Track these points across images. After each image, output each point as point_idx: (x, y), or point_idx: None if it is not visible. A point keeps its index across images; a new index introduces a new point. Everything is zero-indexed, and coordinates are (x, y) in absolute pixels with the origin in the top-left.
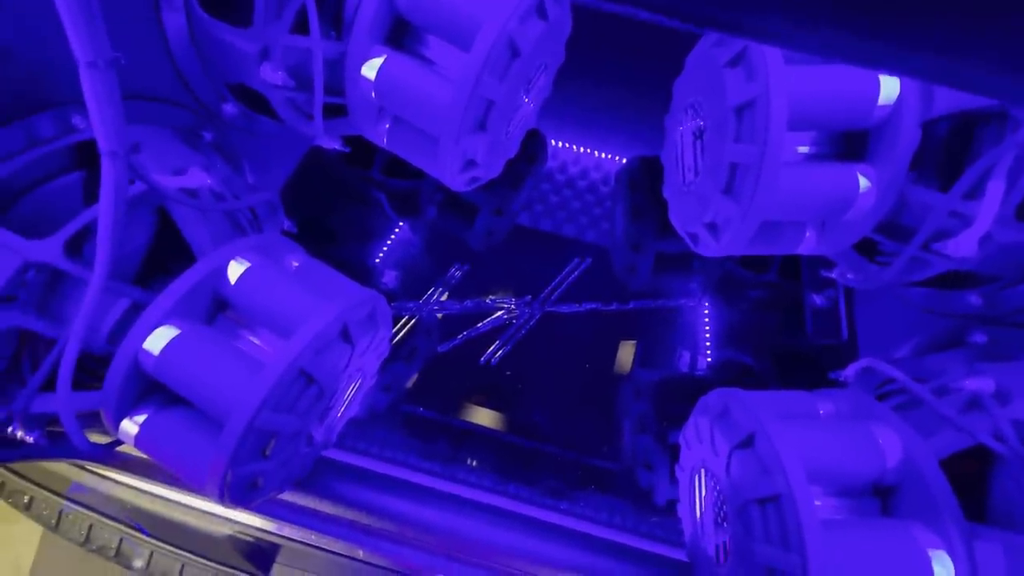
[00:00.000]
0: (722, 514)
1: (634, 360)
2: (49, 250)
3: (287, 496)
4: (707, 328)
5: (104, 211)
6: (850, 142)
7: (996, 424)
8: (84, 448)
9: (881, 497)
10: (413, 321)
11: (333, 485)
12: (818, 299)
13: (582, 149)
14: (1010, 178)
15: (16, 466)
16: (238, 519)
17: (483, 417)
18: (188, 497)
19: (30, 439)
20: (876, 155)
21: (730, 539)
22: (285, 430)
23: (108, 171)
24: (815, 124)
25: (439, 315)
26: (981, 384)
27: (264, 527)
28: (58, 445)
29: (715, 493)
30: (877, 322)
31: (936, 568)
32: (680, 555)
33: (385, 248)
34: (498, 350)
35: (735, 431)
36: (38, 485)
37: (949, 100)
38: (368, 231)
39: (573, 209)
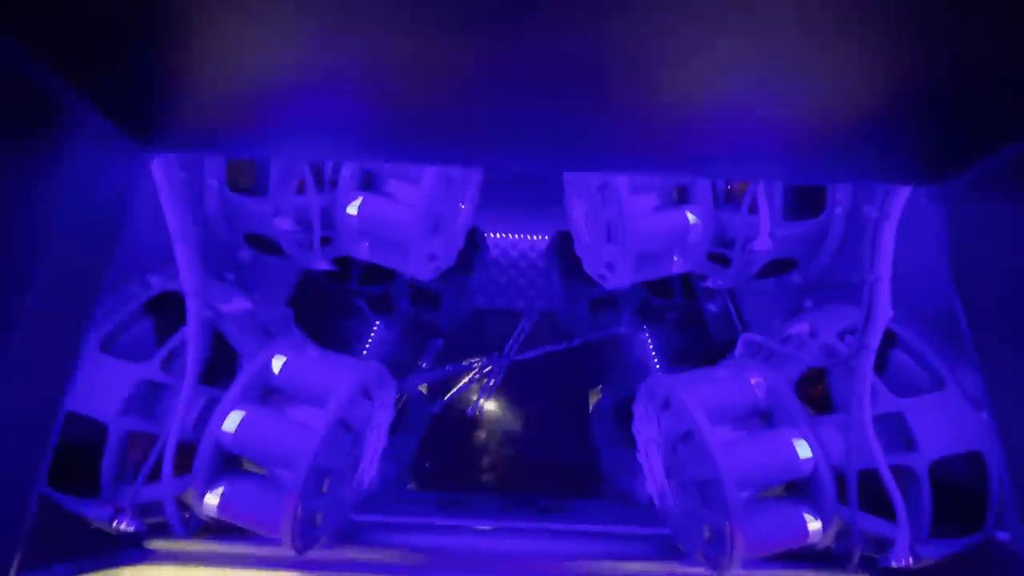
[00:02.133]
0: (668, 468)
1: (600, 390)
2: (151, 370)
3: (328, 553)
4: (653, 353)
5: (191, 333)
6: (680, 193)
7: (811, 350)
8: (178, 527)
9: (762, 418)
10: (403, 399)
11: (365, 535)
12: (712, 307)
13: (517, 236)
14: (770, 196)
15: None
16: None
17: (480, 457)
18: None
19: (131, 528)
20: (694, 198)
21: (673, 477)
22: (335, 467)
23: (192, 306)
24: (649, 186)
25: (422, 388)
26: (799, 328)
27: None
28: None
29: (661, 456)
30: (756, 313)
31: (799, 449)
32: (662, 532)
33: (366, 348)
34: (480, 400)
35: (659, 400)
36: None
37: None
38: (350, 336)
39: (520, 285)
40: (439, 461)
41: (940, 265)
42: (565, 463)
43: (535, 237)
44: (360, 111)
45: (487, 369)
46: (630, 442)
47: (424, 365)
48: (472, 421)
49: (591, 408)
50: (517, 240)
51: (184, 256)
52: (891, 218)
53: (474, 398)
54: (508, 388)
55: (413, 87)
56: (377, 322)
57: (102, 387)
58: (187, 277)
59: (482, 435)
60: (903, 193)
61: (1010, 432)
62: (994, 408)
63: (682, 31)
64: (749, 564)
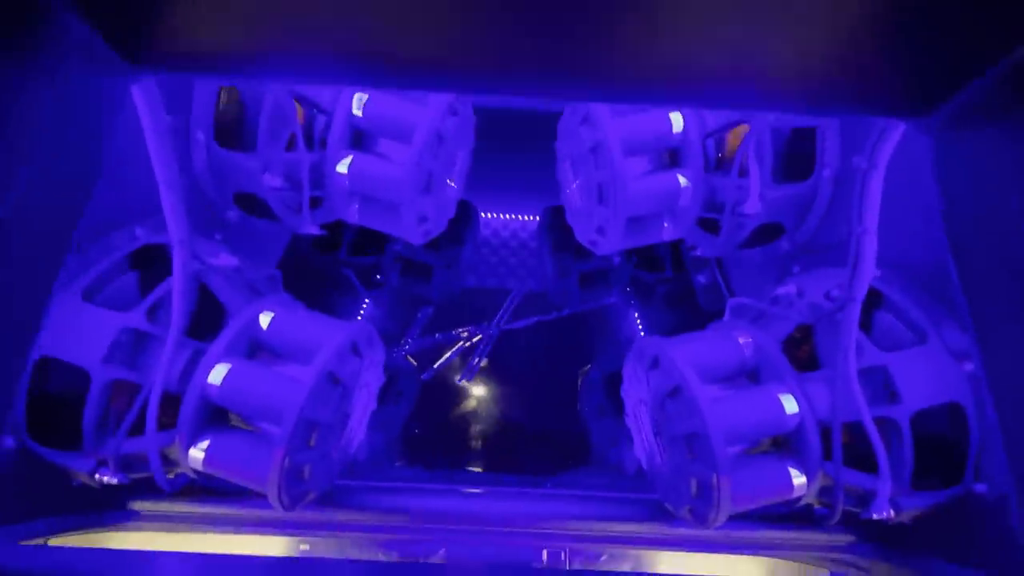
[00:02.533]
0: (656, 426)
1: (590, 363)
2: (136, 318)
3: (314, 515)
4: (640, 328)
5: (177, 281)
6: (672, 157)
7: (799, 308)
8: (162, 481)
9: (750, 376)
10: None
11: (352, 498)
12: (701, 278)
13: (508, 216)
14: (760, 160)
15: None
16: None
17: (470, 427)
18: None
19: (115, 481)
20: (685, 162)
21: (661, 434)
22: (323, 421)
23: (178, 254)
24: (643, 150)
25: (412, 360)
26: (787, 289)
27: None
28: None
29: (649, 415)
30: (744, 283)
31: (785, 403)
32: (650, 497)
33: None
34: (473, 367)
35: (648, 360)
36: None
37: (714, 119)
38: (339, 312)
39: (511, 265)
40: (428, 431)
41: (921, 221)
42: (555, 433)
43: (525, 218)
44: (360, 28)
45: (476, 339)
46: (619, 414)
47: (412, 337)
48: (461, 391)
49: (580, 380)
50: (508, 220)
51: (170, 203)
52: (879, 167)
53: (463, 368)
54: (498, 360)
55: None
56: (367, 300)
57: (85, 334)
58: (173, 224)
59: (471, 405)
60: (891, 142)
61: (998, 374)
62: (982, 349)
63: None
64: (733, 524)
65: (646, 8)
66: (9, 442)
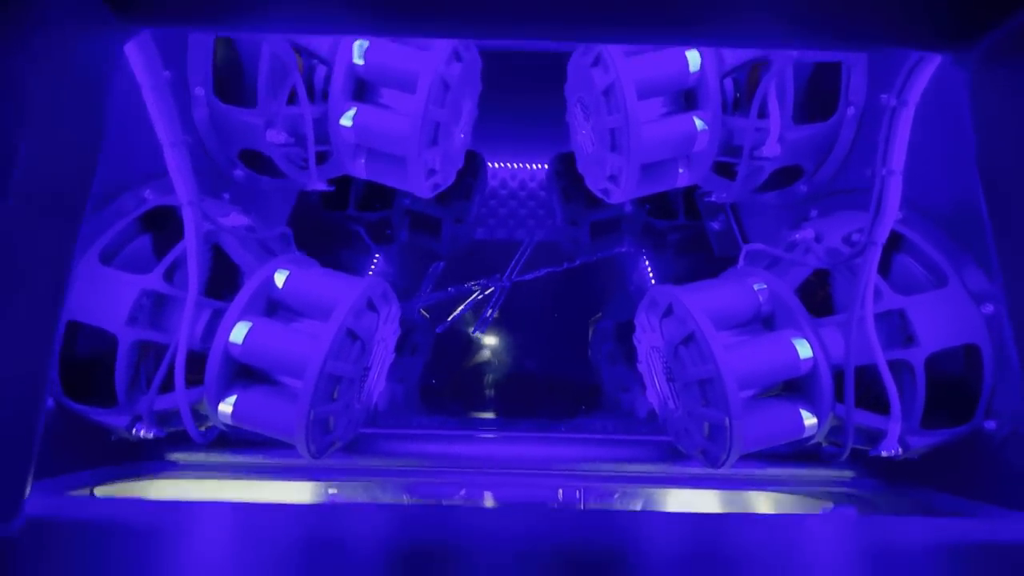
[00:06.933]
0: (669, 373)
1: (601, 312)
2: (154, 280)
3: (340, 462)
4: (651, 277)
5: (189, 243)
6: (688, 98)
7: (816, 253)
8: (195, 434)
9: (764, 323)
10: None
11: (376, 445)
12: (715, 224)
13: (516, 165)
14: (781, 99)
15: None
16: None
17: (485, 377)
18: None
19: (151, 435)
20: (702, 103)
21: (675, 380)
22: (345, 374)
23: (189, 215)
24: (657, 91)
25: (424, 312)
26: (804, 234)
27: None
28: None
29: (662, 362)
30: (760, 228)
31: (799, 348)
32: (662, 439)
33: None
34: (486, 318)
35: (661, 309)
36: None
37: (733, 56)
38: (350, 267)
39: (521, 216)
40: (444, 381)
41: (945, 161)
42: (567, 381)
43: (534, 166)
44: None
45: (488, 291)
46: (630, 360)
47: (425, 290)
48: (475, 343)
49: (591, 329)
50: (516, 169)
51: (175, 163)
52: (909, 105)
53: (476, 320)
54: (510, 311)
55: None
56: (377, 255)
57: (107, 298)
58: (181, 186)
59: (485, 356)
60: (924, 77)
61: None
62: (1008, 290)
63: None
64: (740, 464)
65: None
66: (48, 403)
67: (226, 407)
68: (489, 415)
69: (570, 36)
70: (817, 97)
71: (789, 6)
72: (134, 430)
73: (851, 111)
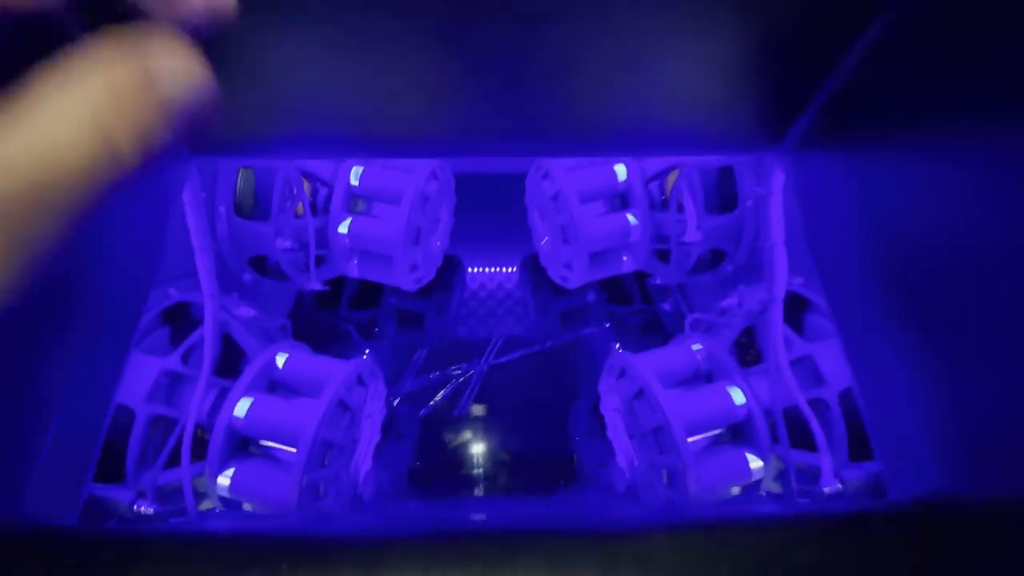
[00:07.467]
0: (630, 429)
1: (575, 392)
2: (173, 361)
3: None
4: (619, 348)
5: (208, 330)
6: (623, 200)
7: (739, 315)
8: (192, 511)
9: (705, 378)
10: (395, 402)
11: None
12: (665, 305)
13: (493, 270)
14: (693, 195)
15: None
16: None
17: (466, 458)
18: None
19: (151, 511)
20: (633, 204)
21: (633, 436)
22: (336, 441)
23: (209, 306)
24: (595, 196)
25: (395, 401)
26: (730, 301)
27: None
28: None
29: (623, 421)
30: (702, 305)
31: (733, 395)
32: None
33: None
34: (467, 400)
35: (617, 372)
36: None
37: (653, 165)
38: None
39: (499, 315)
40: (429, 463)
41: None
42: (547, 457)
43: (508, 269)
44: (355, 112)
45: (468, 374)
46: (604, 434)
47: (410, 376)
48: (457, 424)
49: (569, 408)
50: (494, 273)
51: (204, 265)
52: (775, 191)
53: (458, 403)
54: (489, 394)
55: (399, 91)
56: (366, 351)
57: (131, 377)
58: (206, 282)
59: (466, 437)
60: (777, 170)
61: (863, 380)
62: (850, 363)
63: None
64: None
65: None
66: None
67: (224, 480)
68: (473, 493)
69: (517, 151)
70: (724, 193)
71: (642, 125)
72: (135, 506)
73: (750, 203)
